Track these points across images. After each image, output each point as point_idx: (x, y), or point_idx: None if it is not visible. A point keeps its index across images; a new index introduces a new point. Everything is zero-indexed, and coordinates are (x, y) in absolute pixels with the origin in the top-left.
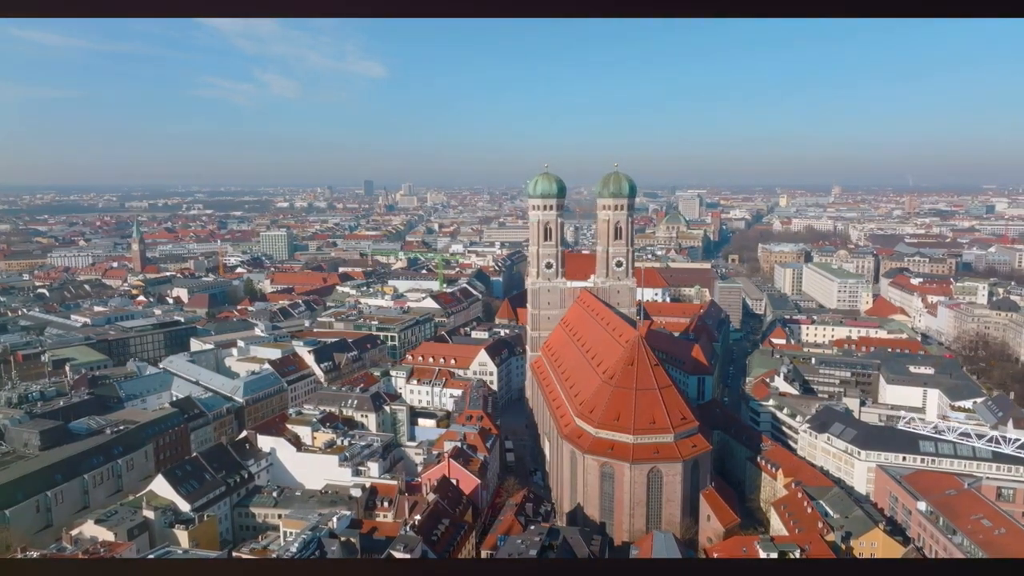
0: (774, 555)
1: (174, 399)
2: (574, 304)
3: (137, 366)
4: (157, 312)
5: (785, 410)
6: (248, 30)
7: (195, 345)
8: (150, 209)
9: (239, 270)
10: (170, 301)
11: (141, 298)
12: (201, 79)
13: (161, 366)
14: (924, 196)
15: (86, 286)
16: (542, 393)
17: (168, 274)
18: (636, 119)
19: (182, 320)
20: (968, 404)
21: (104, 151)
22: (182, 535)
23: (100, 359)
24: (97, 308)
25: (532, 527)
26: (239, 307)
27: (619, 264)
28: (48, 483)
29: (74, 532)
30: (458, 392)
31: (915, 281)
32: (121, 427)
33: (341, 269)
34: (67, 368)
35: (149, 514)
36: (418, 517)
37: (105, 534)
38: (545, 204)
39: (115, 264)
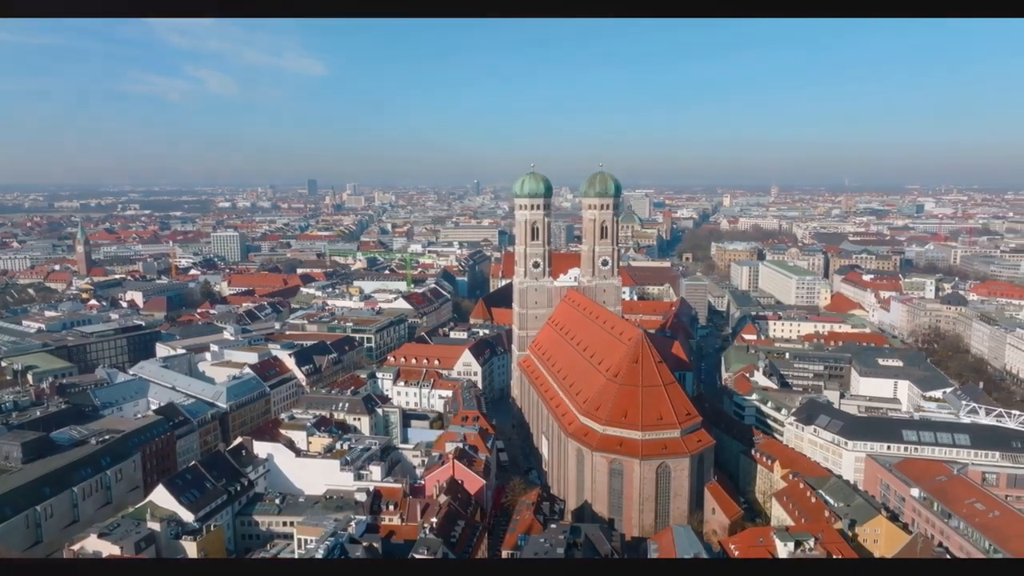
0: (790, 545)
1: (155, 406)
2: (562, 303)
3: (108, 373)
4: (114, 316)
5: (769, 404)
6: (178, 24)
7: (161, 350)
8: (82, 209)
9: (192, 272)
10: (124, 304)
11: (93, 302)
12: (129, 74)
13: (132, 372)
14: (857, 196)
15: (30, 290)
16: (536, 392)
17: (117, 277)
18: (578, 120)
19: (143, 324)
20: (938, 394)
21: (26, 148)
22: (190, 546)
23: (65, 366)
24: (49, 313)
25: (553, 526)
26: (199, 310)
27: (605, 263)
28: (36, 497)
29: (76, 547)
30: (447, 393)
31: (866, 277)
32: (107, 437)
33: (299, 270)
34: (30, 376)
35: (155, 526)
36: (434, 519)
37: (110, 548)
38: (532, 203)
39: (57, 267)
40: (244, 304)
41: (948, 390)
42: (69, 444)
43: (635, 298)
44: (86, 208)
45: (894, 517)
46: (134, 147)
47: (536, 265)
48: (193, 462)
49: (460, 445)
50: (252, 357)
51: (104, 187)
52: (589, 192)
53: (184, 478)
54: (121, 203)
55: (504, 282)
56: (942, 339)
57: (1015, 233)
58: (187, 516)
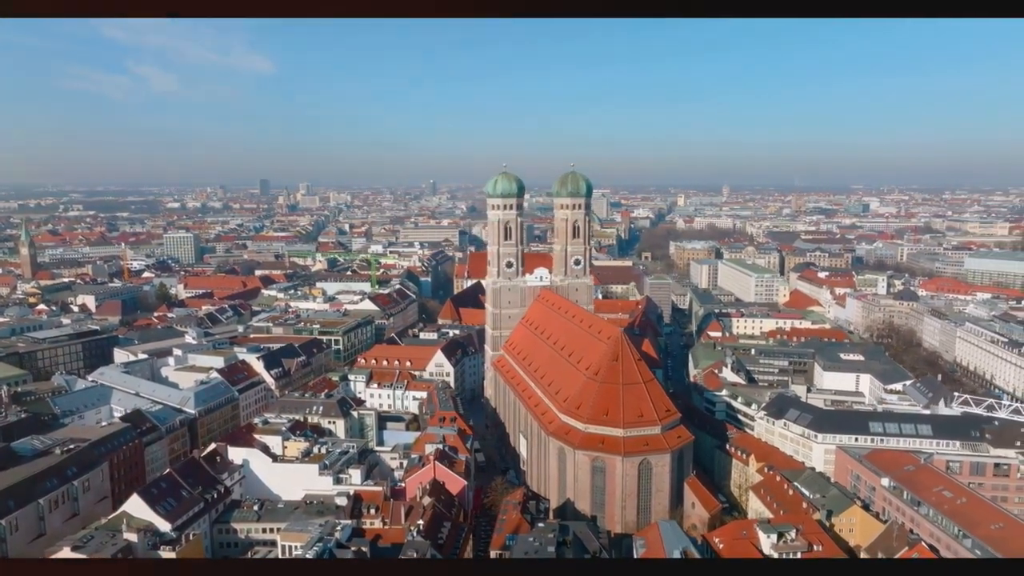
0: (773, 536)
1: (119, 414)
2: (535, 302)
3: (66, 380)
4: (66, 321)
5: (739, 399)
6: (118, 18)
7: (120, 355)
8: (21, 210)
9: (146, 274)
10: (75, 309)
11: (41, 307)
12: (67, 69)
13: (91, 379)
14: (806, 196)
15: None
16: (513, 391)
17: (66, 280)
18: (532, 122)
19: (99, 329)
20: (899, 387)
21: None
22: (168, 556)
23: (19, 374)
24: None
25: (540, 524)
26: (157, 314)
27: (577, 262)
28: (0, 511)
29: None
30: (421, 394)
31: (821, 275)
32: (71, 446)
33: (258, 272)
34: None
35: (131, 536)
36: (420, 522)
37: None
38: (505, 203)
39: (0, 270)
40: (204, 307)
41: (907, 383)
42: (32, 455)
43: (600, 297)
44: (25, 209)
45: (865, 507)
46: (74, 146)
47: (509, 265)
48: (168, 470)
49: (439, 446)
50: (218, 361)
51: (43, 187)
52: (561, 192)
53: (159, 486)
54: (63, 203)
55: (470, 282)
56: (896, 333)
57: (955, 231)
58: (164, 526)
